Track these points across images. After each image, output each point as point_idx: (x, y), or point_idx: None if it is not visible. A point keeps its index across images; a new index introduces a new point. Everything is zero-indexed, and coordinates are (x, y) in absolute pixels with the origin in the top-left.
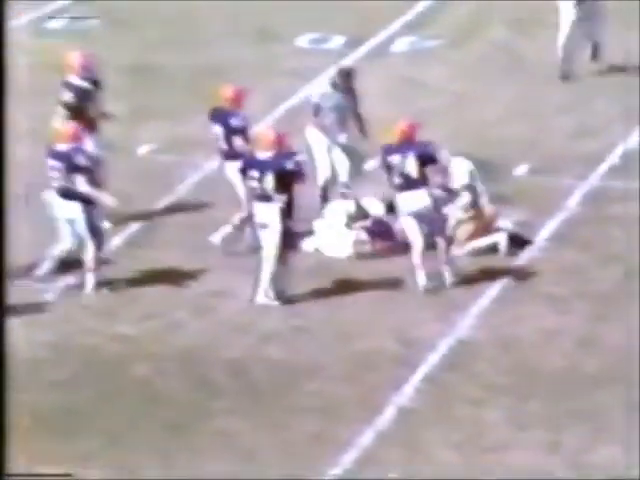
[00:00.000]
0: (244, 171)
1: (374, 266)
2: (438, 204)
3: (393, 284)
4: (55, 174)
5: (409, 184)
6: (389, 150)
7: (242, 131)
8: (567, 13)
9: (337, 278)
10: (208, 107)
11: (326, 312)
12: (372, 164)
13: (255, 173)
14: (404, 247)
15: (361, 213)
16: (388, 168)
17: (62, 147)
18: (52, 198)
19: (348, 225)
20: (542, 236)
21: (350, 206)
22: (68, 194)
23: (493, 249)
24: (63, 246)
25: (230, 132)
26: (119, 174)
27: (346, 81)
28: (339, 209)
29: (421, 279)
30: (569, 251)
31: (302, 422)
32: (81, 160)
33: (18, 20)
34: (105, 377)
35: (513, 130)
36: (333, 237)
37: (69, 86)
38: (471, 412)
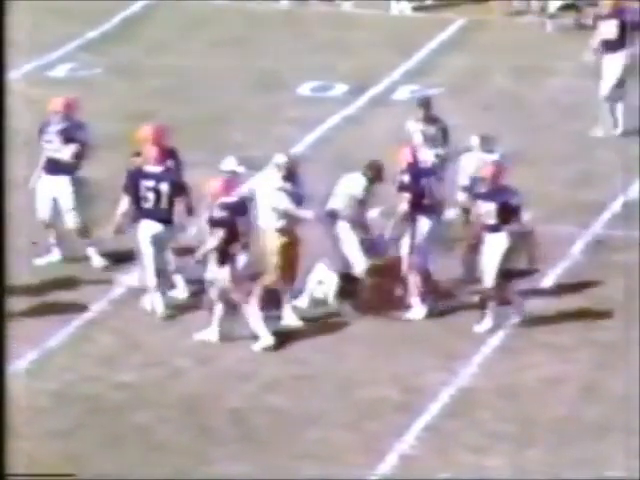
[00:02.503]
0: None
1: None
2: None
3: (395, 332)
4: (150, 195)
5: None
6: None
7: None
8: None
9: (338, 326)
10: (211, 155)
11: (328, 360)
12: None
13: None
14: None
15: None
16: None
17: (154, 169)
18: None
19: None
20: (545, 284)
21: (332, 282)
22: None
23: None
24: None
25: None
26: None
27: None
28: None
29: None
30: (571, 299)
31: (304, 469)
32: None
33: (20, 69)
34: (106, 425)
35: (516, 178)
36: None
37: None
38: (473, 459)
